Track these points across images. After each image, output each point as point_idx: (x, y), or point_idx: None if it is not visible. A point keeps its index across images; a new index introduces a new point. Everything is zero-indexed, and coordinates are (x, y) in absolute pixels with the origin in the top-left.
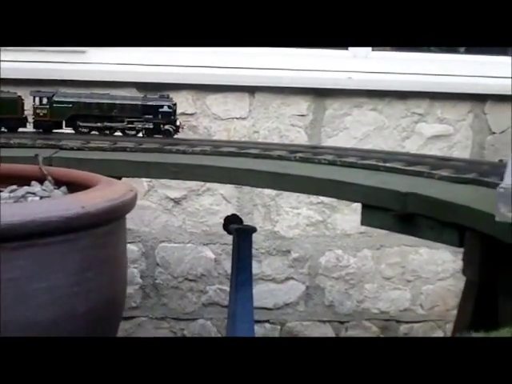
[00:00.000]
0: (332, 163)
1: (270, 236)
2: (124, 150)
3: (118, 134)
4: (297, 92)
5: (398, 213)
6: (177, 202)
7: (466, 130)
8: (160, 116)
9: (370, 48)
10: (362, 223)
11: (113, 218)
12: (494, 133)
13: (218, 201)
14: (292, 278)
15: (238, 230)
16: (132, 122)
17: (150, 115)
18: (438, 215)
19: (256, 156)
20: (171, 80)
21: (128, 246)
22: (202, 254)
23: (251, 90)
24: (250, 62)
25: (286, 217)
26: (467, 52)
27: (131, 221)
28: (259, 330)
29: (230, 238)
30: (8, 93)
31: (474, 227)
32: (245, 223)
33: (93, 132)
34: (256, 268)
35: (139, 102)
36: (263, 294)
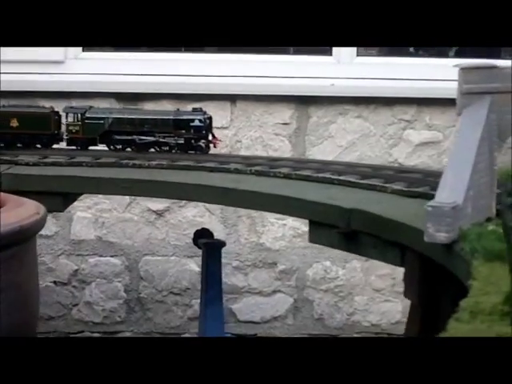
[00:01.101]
0: (287, 176)
1: (256, 248)
2: (80, 164)
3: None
4: (280, 100)
5: (342, 230)
6: (159, 214)
7: (456, 137)
8: (192, 131)
9: (354, 53)
10: (310, 240)
11: (12, 242)
12: None
13: (201, 212)
14: (279, 291)
15: (207, 245)
16: (164, 138)
17: (182, 130)
18: (379, 233)
19: (212, 170)
20: (150, 90)
21: (110, 259)
22: (187, 267)
23: (232, 99)
24: (231, 70)
25: (272, 228)
26: (457, 55)
27: (113, 234)
28: None
29: None
30: (41, 107)
31: (413, 246)
32: (230, 235)
33: (127, 149)
34: (242, 281)
35: (171, 117)
36: (250, 307)
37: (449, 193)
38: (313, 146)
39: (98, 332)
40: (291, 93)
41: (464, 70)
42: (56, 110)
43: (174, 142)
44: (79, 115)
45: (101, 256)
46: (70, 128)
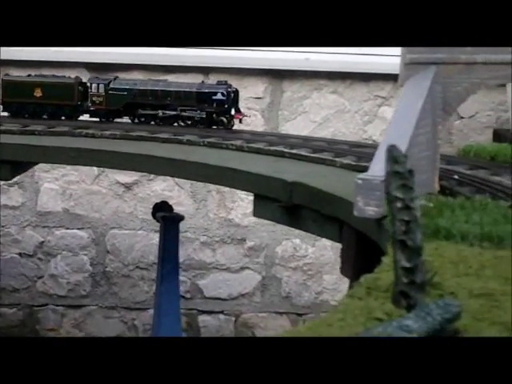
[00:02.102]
0: (239, 149)
1: (225, 224)
2: (32, 133)
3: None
4: (253, 73)
5: (284, 204)
6: (128, 187)
7: None
8: (214, 104)
9: None
10: (254, 214)
11: None
12: (462, 117)
13: (170, 186)
14: (247, 268)
15: (164, 219)
16: (185, 111)
17: (205, 104)
18: (319, 207)
19: (164, 141)
20: (122, 60)
21: (77, 232)
22: (154, 242)
23: (205, 71)
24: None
25: (242, 204)
26: None
27: (80, 206)
28: (213, 322)
29: (184, 225)
30: (65, 78)
31: (348, 221)
32: (198, 210)
33: (152, 122)
34: (210, 257)
35: (194, 90)
36: (217, 283)
37: (383, 166)
38: (286, 121)
39: (63, 305)
40: (265, 66)
41: None
42: (82, 80)
43: (196, 115)
44: (103, 86)
45: (67, 228)
46: (94, 99)
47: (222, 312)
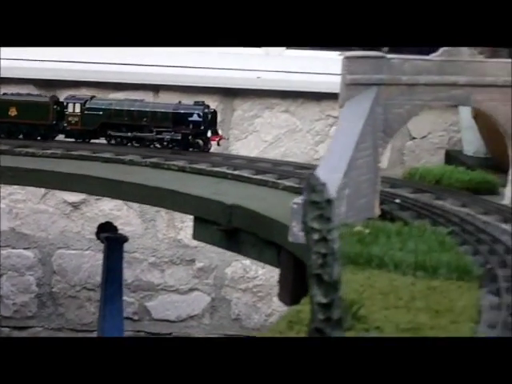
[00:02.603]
0: (181, 169)
1: (174, 244)
2: None
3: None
4: (204, 91)
5: (223, 227)
6: (75, 206)
7: None
8: (190, 126)
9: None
10: (194, 237)
11: None
12: (414, 138)
13: (118, 206)
14: (196, 289)
15: (108, 239)
16: (161, 133)
17: (181, 125)
18: (257, 231)
19: (106, 160)
20: (70, 77)
21: (23, 251)
22: (101, 262)
23: (155, 89)
24: (154, 60)
25: (191, 224)
26: (390, 51)
27: (27, 225)
28: None
29: (132, 245)
30: (40, 96)
31: (285, 246)
32: (147, 230)
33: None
34: (158, 278)
35: (170, 110)
36: (165, 305)
37: None
38: (237, 141)
39: (8, 327)
40: (216, 84)
41: (348, 59)
42: (58, 99)
43: (171, 137)
44: (79, 105)
45: (13, 248)
46: (70, 119)
47: (169, 334)
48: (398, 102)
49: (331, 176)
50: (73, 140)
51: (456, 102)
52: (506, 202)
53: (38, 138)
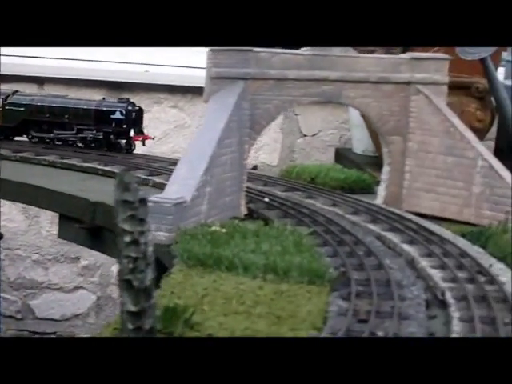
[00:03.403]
0: (52, 165)
1: (58, 241)
2: None
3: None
4: (90, 85)
5: (86, 225)
6: None
7: (275, 132)
8: (113, 124)
9: None
10: (59, 236)
11: None
12: (305, 136)
13: (1, 202)
14: (81, 288)
15: None
16: (82, 131)
17: (103, 123)
18: None
19: None
20: None
21: None
22: None
23: (40, 82)
24: (39, 51)
25: None
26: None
27: None
28: None
29: (15, 242)
30: None
31: None
32: (31, 226)
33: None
34: (42, 276)
35: (92, 107)
36: (50, 303)
37: (178, 187)
38: None
39: None
40: (102, 78)
41: (214, 51)
42: None
43: (93, 136)
44: (0, 100)
45: None
46: None
47: (54, 333)
48: (266, 97)
49: (191, 173)
50: None
51: (327, 98)
52: (378, 201)
53: None
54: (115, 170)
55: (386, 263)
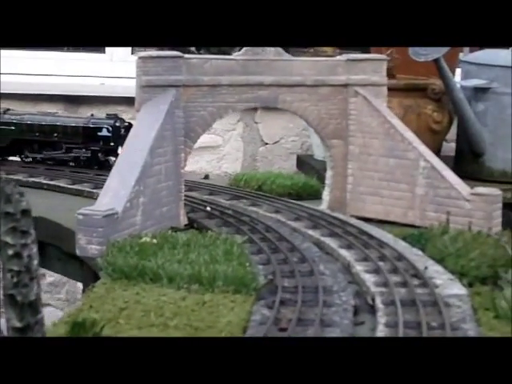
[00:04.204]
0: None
1: None
2: None
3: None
4: (48, 99)
5: None
6: None
7: (236, 141)
8: (100, 142)
9: (129, 51)
10: None
11: None
12: (266, 144)
13: None
14: (49, 305)
15: None
16: (71, 150)
17: (91, 141)
18: (60, 244)
19: None
20: None
21: None
22: None
23: None
24: None
25: None
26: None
27: None
28: None
29: None
30: None
31: (85, 260)
32: None
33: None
34: None
35: (80, 125)
36: None
37: (109, 199)
38: None
39: None
40: (58, 92)
41: (143, 59)
42: None
43: (80, 155)
44: None
45: None
46: None
47: None
48: (201, 104)
49: (122, 184)
50: None
51: (263, 103)
52: (323, 206)
53: None
54: (61, 185)
55: (319, 269)
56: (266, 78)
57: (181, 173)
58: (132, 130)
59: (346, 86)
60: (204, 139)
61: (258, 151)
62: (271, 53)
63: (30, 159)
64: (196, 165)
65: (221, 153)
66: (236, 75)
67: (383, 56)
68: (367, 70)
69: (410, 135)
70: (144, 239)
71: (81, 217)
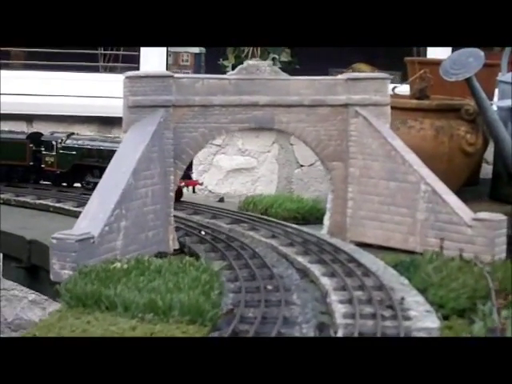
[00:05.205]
0: (6, 202)
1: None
2: None
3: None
4: (81, 121)
5: (22, 265)
6: None
7: (271, 163)
8: None
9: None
10: (3, 276)
11: None
12: (302, 166)
13: None
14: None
15: None
16: None
17: None
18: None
19: None
20: None
21: None
22: None
23: (29, 119)
24: (27, 88)
25: None
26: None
27: None
28: None
29: (11, 282)
30: (18, 133)
31: None
32: None
33: None
34: (40, 316)
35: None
36: None
37: (88, 222)
38: None
39: None
40: (93, 113)
41: (130, 78)
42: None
43: None
44: (55, 143)
45: None
46: (47, 159)
47: None
48: (192, 125)
49: (101, 207)
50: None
51: (258, 124)
52: (323, 231)
53: (16, 180)
54: (66, 207)
55: (291, 299)
56: (261, 98)
57: (170, 196)
58: (117, 152)
59: (346, 106)
60: (239, 161)
61: (293, 173)
62: (266, 72)
63: (92, 185)
64: (230, 187)
65: (255, 175)
66: (229, 95)
67: (385, 75)
68: (368, 89)
69: (411, 157)
70: (115, 264)
71: (55, 241)
